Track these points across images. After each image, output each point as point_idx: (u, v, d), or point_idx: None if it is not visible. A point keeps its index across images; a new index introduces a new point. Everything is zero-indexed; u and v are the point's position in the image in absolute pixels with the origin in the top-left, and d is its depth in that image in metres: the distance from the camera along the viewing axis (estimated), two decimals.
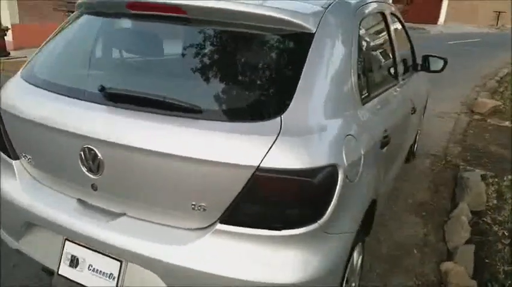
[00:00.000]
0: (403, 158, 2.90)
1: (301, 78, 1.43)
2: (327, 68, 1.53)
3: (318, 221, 1.38)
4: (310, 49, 1.50)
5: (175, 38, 1.77)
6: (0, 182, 1.80)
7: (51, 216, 1.63)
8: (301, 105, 1.41)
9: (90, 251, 1.57)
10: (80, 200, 1.64)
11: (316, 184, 1.34)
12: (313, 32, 1.52)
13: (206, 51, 1.56)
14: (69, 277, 1.61)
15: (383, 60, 2.43)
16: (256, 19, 1.50)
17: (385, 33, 2.45)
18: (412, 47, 3.29)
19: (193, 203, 1.40)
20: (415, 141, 4.10)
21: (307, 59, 1.48)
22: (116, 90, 1.50)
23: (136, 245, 1.47)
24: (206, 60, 1.54)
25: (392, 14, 2.68)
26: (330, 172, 1.38)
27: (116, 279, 1.52)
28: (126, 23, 1.91)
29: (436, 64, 3.13)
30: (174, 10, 1.55)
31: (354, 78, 1.68)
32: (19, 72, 1.87)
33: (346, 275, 1.69)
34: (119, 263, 1.52)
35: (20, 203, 1.71)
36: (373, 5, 2.18)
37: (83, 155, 1.51)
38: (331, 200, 1.40)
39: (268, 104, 1.44)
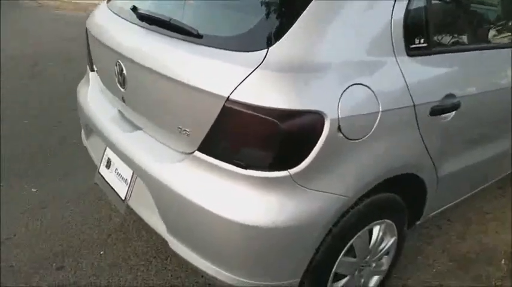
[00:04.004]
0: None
1: (306, 10, 1.26)
2: (347, 5, 1.31)
3: (289, 171, 1.26)
4: None
5: None
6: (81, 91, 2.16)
7: (99, 123, 1.88)
8: (296, 40, 1.25)
9: (117, 157, 1.77)
10: (119, 112, 1.85)
11: (284, 129, 1.20)
12: None
13: None
14: (104, 176, 1.87)
15: (479, 18, 1.91)
16: None
17: None
18: None
19: (180, 126, 1.42)
20: None
21: None
22: (142, 11, 1.59)
23: (140, 157, 1.59)
24: None
25: None
26: (308, 120, 1.22)
27: (128, 185, 1.70)
28: None
29: None
30: None
31: (395, 23, 1.38)
32: (105, 1, 2.14)
33: (347, 245, 1.51)
34: (131, 171, 1.68)
35: (85, 108, 2.01)
36: None
37: (116, 69, 1.68)
38: (309, 152, 1.25)
39: (260, 34, 1.30)
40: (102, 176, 1.89)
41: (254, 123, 1.22)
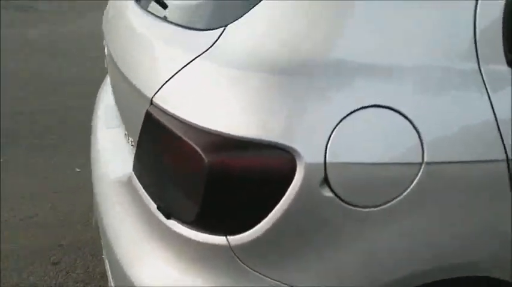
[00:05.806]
0: None
1: None
2: None
3: (228, 237, 0.74)
4: None
5: None
6: None
7: (95, 112, 1.56)
8: (274, 15, 0.72)
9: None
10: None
11: (215, 169, 0.69)
12: None
13: None
14: None
15: None
16: None
17: None
18: None
19: (126, 132, 1.02)
20: None
21: None
22: None
23: (102, 162, 1.24)
24: None
25: None
26: (264, 160, 0.68)
27: None
28: None
29: None
30: None
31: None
32: None
33: None
34: None
35: (98, 94, 1.72)
36: None
37: (106, 51, 1.35)
38: (264, 213, 0.71)
39: (220, 3, 0.80)
40: None
41: (174, 145, 0.75)
